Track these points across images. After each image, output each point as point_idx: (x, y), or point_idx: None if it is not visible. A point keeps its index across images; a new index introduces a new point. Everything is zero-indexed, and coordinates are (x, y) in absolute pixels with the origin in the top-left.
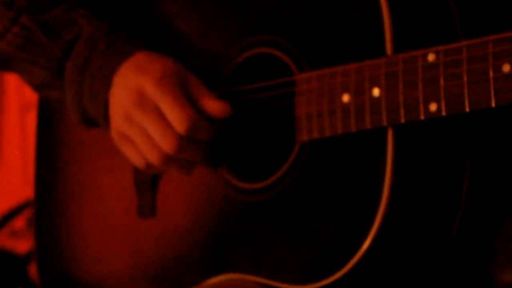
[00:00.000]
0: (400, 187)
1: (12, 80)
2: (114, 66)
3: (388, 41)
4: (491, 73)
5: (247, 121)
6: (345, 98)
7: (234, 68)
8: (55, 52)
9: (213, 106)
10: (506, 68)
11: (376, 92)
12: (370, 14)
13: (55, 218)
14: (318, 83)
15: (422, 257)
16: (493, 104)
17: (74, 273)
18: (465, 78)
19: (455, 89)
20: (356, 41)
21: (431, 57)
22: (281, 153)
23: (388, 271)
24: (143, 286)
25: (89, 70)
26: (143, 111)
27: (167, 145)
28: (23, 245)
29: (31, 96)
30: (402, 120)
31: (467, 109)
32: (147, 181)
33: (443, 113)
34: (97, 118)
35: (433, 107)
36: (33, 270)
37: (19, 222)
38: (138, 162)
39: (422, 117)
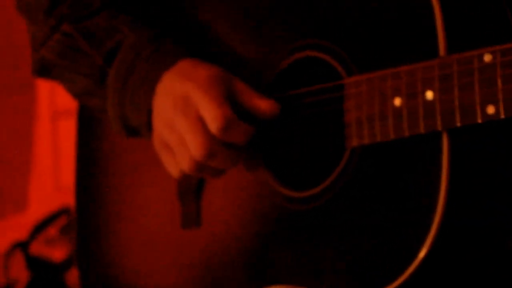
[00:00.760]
0: (457, 192)
1: (44, 87)
2: (158, 75)
3: (441, 41)
4: None
5: (293, 126)
6: (397, 101)
7: (277, 73)
8: (97, 60)
9: (263, 104)
10: None
11: (429, 95)
12: (421, 14)
13: (96, 228)
14: (367, 87)
15: (481, 262)
16: None
17: (116, 285)
18: None
19: None
20: (407, 42)
21: (487, 58)
22: (329, 159)
23: (446, 280)
24: None
25: (132, 78)
26: (185, 117)
27: (196, 149)
28: (58, 253)
29: (63, 104)
30: (458, 124)
31: None
32: (192, 190)
33: (502, 116)
34: (139, 127)
35: (490, 109)
36: (69, 277)
37: (52, 230)
38: (173, 170)
39: (479, 121)
